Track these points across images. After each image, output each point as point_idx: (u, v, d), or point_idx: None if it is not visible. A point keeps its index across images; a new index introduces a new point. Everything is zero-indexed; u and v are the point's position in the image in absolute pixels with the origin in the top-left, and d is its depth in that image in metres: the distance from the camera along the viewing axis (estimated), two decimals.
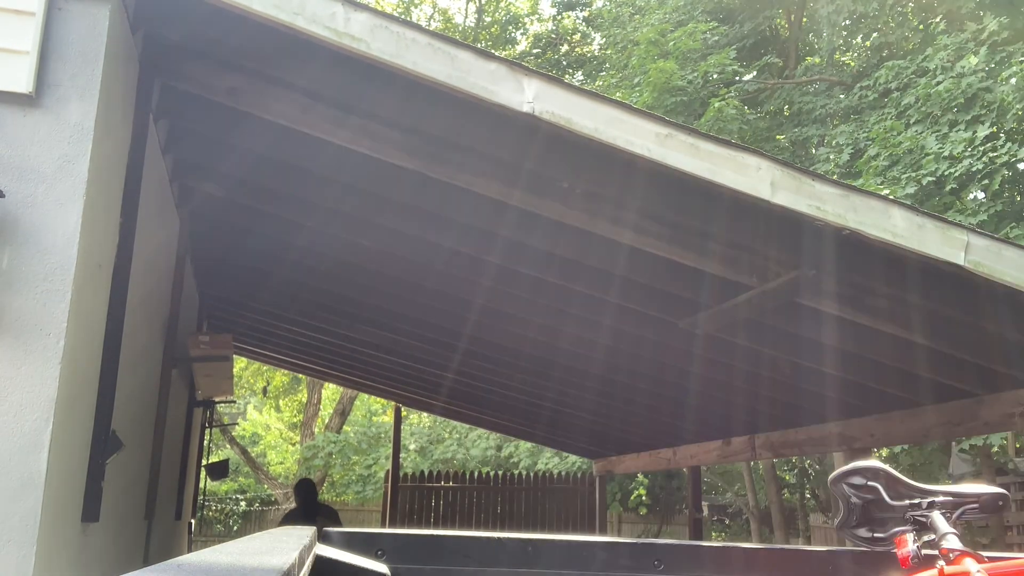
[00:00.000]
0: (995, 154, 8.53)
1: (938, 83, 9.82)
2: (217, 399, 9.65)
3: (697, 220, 3.93)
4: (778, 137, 13.71)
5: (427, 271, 5.83)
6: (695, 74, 13.04)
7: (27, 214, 2.94)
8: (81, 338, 3.12)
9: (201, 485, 11.19)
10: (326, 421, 22.23)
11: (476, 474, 15.41)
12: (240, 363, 20.03)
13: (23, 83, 3.00)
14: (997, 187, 8.65)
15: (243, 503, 22.51)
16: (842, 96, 13.12)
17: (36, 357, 2.85)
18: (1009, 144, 8.66)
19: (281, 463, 26.41)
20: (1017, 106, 9.20)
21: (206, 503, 18.27)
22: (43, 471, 2.79)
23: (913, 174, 9.19)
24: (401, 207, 4.89)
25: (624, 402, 8.19)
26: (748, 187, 3.50)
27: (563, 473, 15.39)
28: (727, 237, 3.96)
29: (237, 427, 25.10)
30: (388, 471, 14.19)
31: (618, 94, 13.62)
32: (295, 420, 26.21)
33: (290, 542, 1.45)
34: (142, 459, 5.19)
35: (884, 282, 3.94)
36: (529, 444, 16.47)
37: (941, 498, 2.03)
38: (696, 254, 4.03)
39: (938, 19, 12.35)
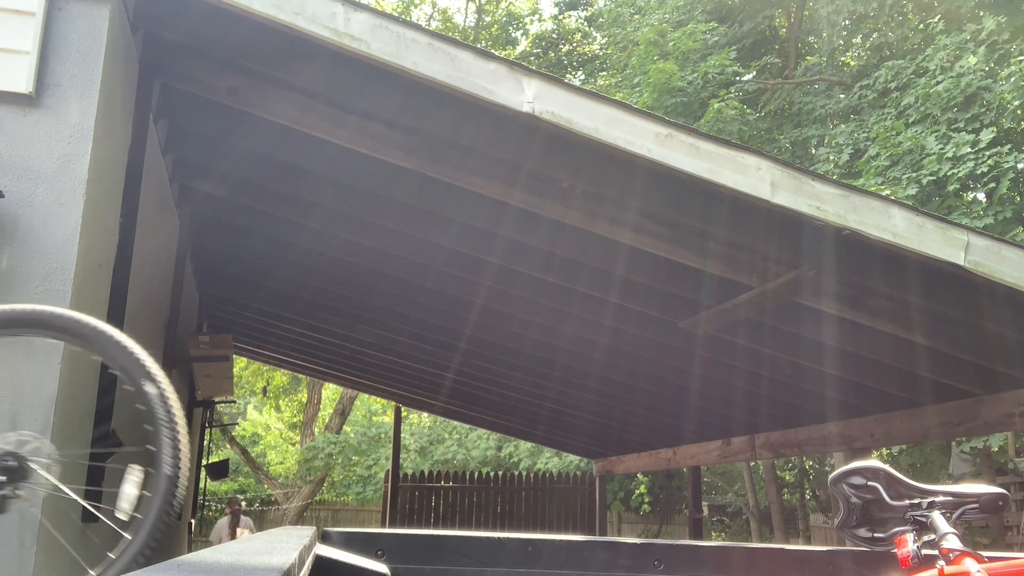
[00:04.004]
0: (1002, 160, 8.50)
1: (937, 83, 9.81)
2: (217, 399, 9.65)
3: (697, 220, 3.93)
4: (778, 137, 13.70)
5: (427, 271, 5.83)
6: (695, 75, 13.03)
7: (27, 214, 2.94)
8: None
9: (201, 485, 11.19)
10: (326, 421, 22.21)
11: (476, 474, 15.40)
12: (240, 363, 20.02)
13: (23, 83, 3.00)
14: (1005, 191, 8.62)
15: (243, 503, 22.50)
16: (842, 96, 13.11)
17: (36, 357, 2.85)
18: (1016, 153, 8.63)
19: (281, 463, 26.40)
20: (1015, 103, 9.19)
21: (206, 503, 18.26)
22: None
23: (914, 174, 9.18)
24: (401, 207, 4.89)
25: (624, 402, 8.18)
26: (748, 187, 3.50)
27: (563, 473, 15.39)
28: (727, 237, 3.96)
29: (237, 427, 25.09)
30: (388, 471, 14.19)
31: (618, 95, 13.62)
32: (295, 420, 26.19)
33: (290, 542, 1.44)
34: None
35: (884, 282, 3.94)
36: (529, 444, 16.47)
37: (941, 498, 2.02)
38: (696, 254, 4.03)
39: (937, 19, 12.35)
